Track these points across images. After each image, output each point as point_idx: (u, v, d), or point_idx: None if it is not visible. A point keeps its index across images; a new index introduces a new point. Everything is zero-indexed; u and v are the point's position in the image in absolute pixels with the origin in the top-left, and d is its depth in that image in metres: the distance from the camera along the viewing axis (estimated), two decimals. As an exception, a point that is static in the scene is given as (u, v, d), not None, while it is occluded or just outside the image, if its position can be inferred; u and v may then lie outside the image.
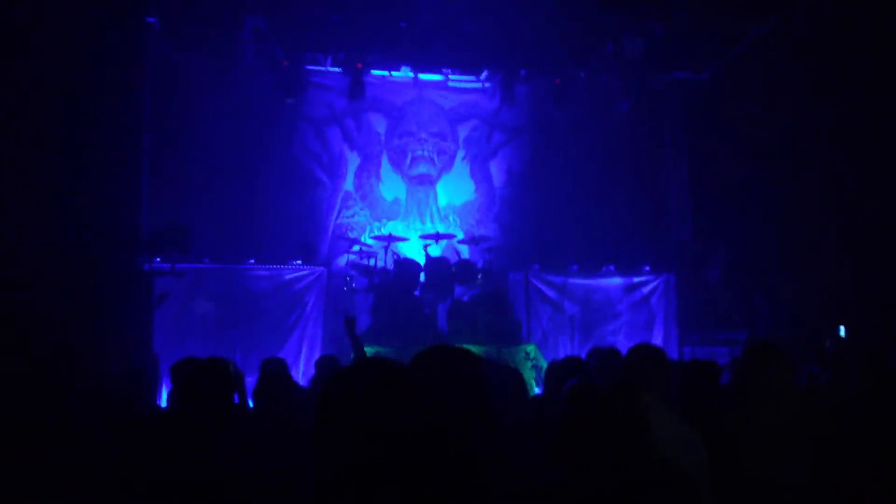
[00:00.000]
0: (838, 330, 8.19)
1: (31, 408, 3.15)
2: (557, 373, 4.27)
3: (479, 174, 12.23)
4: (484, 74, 11.92)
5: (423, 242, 10.50)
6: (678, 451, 2.43)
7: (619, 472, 1.94)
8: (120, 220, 8.32)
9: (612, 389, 2.47)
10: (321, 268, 10.43)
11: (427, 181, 11.98)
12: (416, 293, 10.04)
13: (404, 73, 11.81)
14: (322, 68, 11.51)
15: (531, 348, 9.48)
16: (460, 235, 11.45)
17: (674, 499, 1.91)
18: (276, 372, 4.95)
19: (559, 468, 2.14)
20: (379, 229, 11.47)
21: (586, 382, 2.59)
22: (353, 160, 11.86)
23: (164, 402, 7.50)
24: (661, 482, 1.95)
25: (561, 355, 7.33)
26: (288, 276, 10.21)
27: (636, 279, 10.97)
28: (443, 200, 12.03)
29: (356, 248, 10.68)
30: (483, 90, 12.11)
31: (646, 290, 10.96)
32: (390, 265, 10.15)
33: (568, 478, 1.97)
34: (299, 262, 10.37)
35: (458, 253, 11.02)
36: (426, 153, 11.97)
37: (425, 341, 8.47)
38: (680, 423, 2.86)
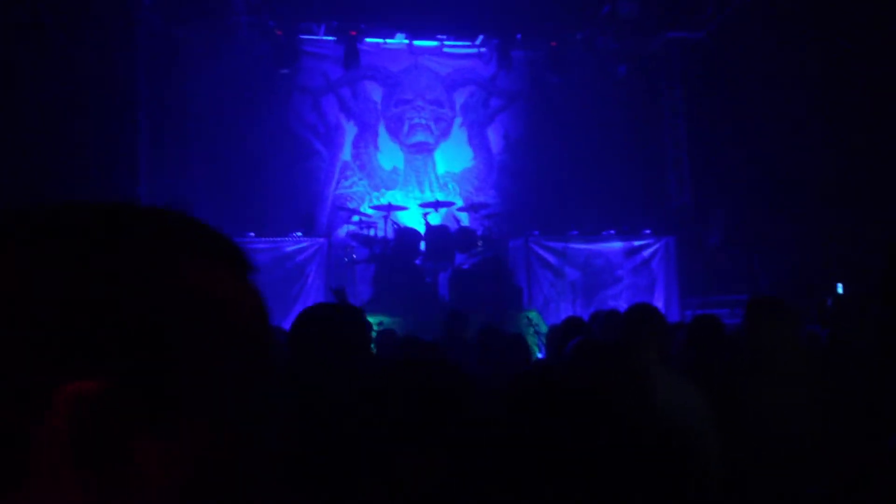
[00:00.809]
0: (836, 287, 8.21)
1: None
2: (559, 334, 4.29)
3: (477, 141, 12.18)
4: (479, 39, 11.82)
5: (422, 211, 10.48)
6: (679, 409, 2.45)
7: (620, 427, 1.96)
8: (119, 197, 8.30)
9: (615, 346, 2.48)
10: (322, 239, 10.42)
11: (425, 149, 11.93)
12: (417, 262, 10.04)
13: (399, 41, 11.70)
14: (316, 37, 11.41)
15: (532, 314, 9.50)
16: (459, 203, 11.42)
17: (673, 452, 1.93)
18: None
19: (560, 425, 2.15)
20: (378, 199, 11.45)
21: (590, 339, 2.59)
22: (350, 130, 11.79)
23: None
24: (661, 436, 1.96)
25: (563, 320, 7.34)
26: (288, 249, 10.20)
27: (636, 243, 10.96)
28: (441, 168, 11.99)
29: (356, 218, 10.67)
30: (479, 55, 12.02)
31: (646, 253, 10.95)
32: (390, 234, 10.14)
33: (568, 434, 1.99)
34: (299, 233, 10.36)
35: (457, 221, 11.00)
36: (423, 121, 11.91)
37: (427, 310, 8.49)
38: (681, 380, 2.87)
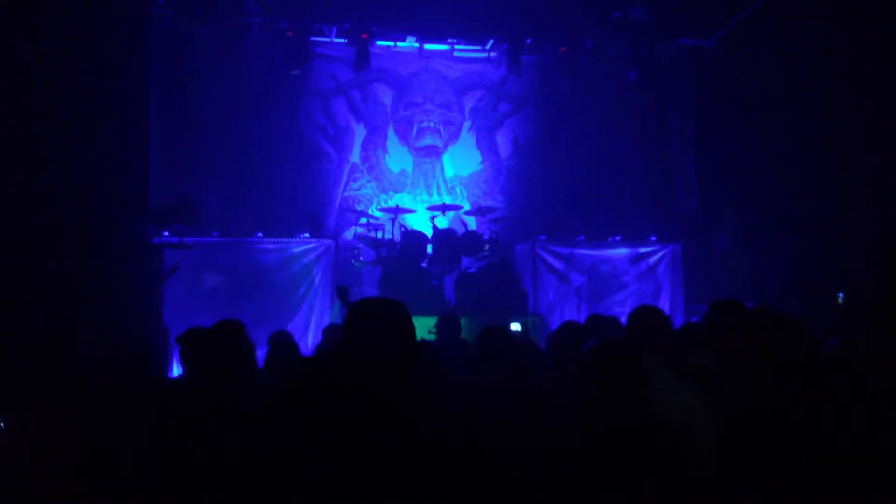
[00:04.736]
0: (838, 296, 8.18)
1: (40, 380, 3.19)
2: (557, 340, 4.32)
3: (486, 145, 12.20)
4: (490, 44, 11.85)
5: (430, 214, 10.50)
6: (674, 408, 2.46)
7: (615, 423, 1.98)
8: (129, 194, 8.37)
9: (627, 348, 2.49)
10: (329, 240, 10.45)
11: (433, 152, 11.96)
12: (424, 265, 10.07)
13: (410, 44, 11.74)
14: (327, 39, 11.46)
15: (537, 319, 9.51)
16: (467, 206, 11.45)
17: (666, 446, 1.95)
18: (284, 344, 5.07)
19: (571, 427, 2.18)
20: (386, 201, 11.48)
21: (605, 342, 2.61)
22: (359, 132, 11.83)
23: (174, 374, 7.58)
24: (658, 432, 1.98)
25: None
26: (296, 249, 10.22)
27: (642, 249, 10.95)
28: (449, 172, 12.01)
29: (363, 220, 10.70)
30: (489, 60, 12.05)
31: (652, 260, 10.94)
32: (397, 237, 10.17)
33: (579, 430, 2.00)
34: (307, 234, 10.39)
35: (464, 224, 11.02)
36: (432, 124, 11.94)
37: (433, 313, 8.52)
38: (677, 379, 2.89)
